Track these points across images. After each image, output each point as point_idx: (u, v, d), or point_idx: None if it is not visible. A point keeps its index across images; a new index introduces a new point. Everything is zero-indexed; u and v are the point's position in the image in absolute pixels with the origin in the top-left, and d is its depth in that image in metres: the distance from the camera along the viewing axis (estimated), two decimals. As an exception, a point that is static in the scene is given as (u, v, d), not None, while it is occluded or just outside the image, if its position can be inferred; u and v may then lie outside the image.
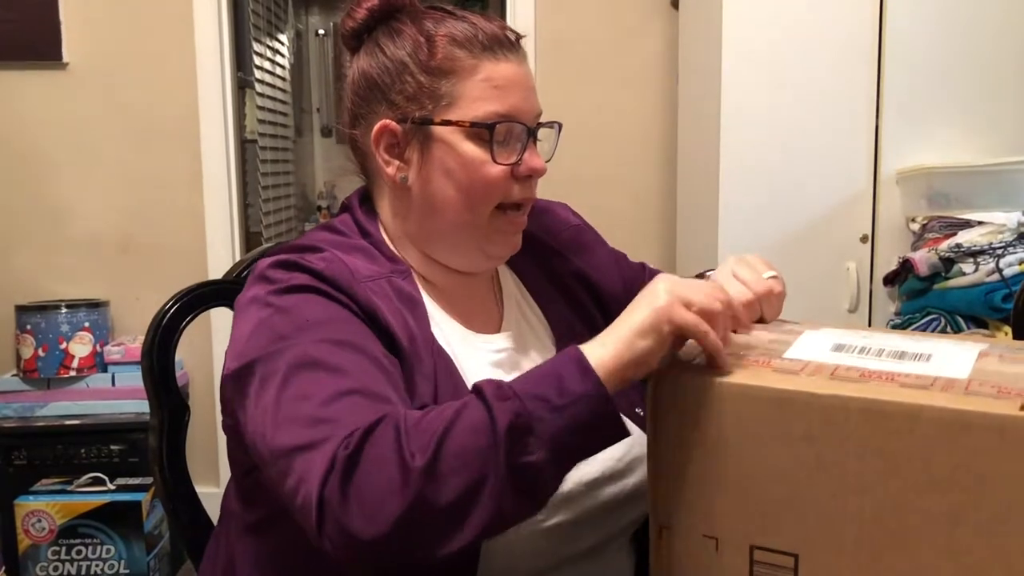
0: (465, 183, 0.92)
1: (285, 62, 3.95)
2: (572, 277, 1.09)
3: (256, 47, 3.28)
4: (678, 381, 0.74)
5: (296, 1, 4.41)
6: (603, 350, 0.73)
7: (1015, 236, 1.94)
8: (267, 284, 0.88)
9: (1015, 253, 1.91)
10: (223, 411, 0.92)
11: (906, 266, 2.11)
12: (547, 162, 0.99)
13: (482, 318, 1.01)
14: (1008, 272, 1.89)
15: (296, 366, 0.80)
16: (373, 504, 0.69)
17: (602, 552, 0.96)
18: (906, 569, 0.65)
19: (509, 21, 2.81)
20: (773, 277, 0.92)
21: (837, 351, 0.76)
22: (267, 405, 0.78)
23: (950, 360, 0.72)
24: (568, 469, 0.73)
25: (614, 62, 2.84)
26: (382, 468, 0.70)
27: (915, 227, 2.18)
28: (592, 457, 0.91)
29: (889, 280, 2.21)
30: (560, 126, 1.01)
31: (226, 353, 0.87)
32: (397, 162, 0.95)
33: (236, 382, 0.83)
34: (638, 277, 1.17)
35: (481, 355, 0.96)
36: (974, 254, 1.95)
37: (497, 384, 0.72)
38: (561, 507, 0.89)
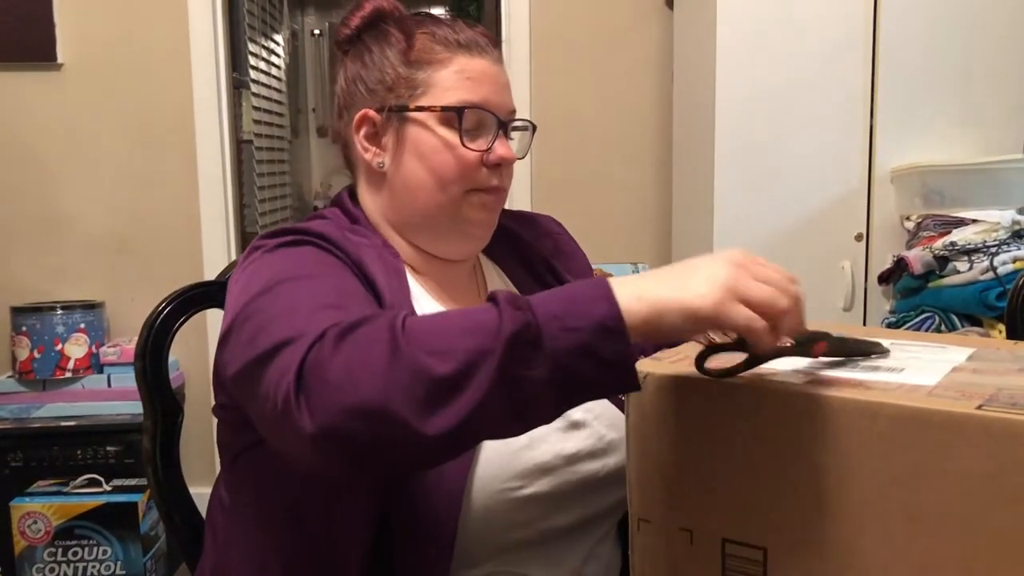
0: (437, 166, 0.97)
1: (281, 62, 3.95)
2: (543, 266, 1.13)
3: (251, 47, 3.28)
4: (655, 376, 0.75)
5: (292, 1, 4.41)
6: (636, 293, 0.67)
7: (1009, 234, 1.95)
8: (256, 250, 0.91)
9: (1009, 251, 1.92)
10: (215, 391, 0.94)
11: (900, 264, 2.11)
12: (519, 159, 1.04)
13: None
14: (1002, 270, 1.89)
15: (284, 280, 0.81)
16: (358, 369, 0.66)
17: (586, 533, 0.97)
18: (867, 566, 0.67)
19: (503, 20, 2.81)
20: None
21: (814, 365, 0.78)
22: (254, 323, 0.77)
23: (922, 372, 0.74)
24: (565, 402, 0.69)
25: (609, 60, 2.84)
26: (373, 343, 0.67)
27: (909, 225, 2.18)
28: (571, 434, 0.95)
29: (884, 278, 2.21)
30: (534, 127, 1.08)
31: (221, 323, 0.87)
32: (374, 148, 1.01)
33: (230, 334, 0.81)
34: None
35: None
36: (968, 252, 1.95)
37: (513, 295, 0.69)
38: (539, 477, 0.91)
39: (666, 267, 0.71)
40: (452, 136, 0.96)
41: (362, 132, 1.01)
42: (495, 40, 1.02)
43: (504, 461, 0.90)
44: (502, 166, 1.00)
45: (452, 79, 0.97)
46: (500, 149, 0.98)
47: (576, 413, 0.97)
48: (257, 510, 0.94)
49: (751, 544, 0.72)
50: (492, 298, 0.69)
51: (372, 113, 0.99)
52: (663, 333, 0.69)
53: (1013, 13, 2.20)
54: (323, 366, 0.67)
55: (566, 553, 0.96)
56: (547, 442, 0.93)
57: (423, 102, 0.97)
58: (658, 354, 0.82)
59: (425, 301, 1.00)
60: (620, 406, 0.98)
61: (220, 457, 1.00)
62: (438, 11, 4.88)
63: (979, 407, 0.63)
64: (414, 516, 0.87)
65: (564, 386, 0.67)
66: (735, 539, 0.72)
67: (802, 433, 0.68)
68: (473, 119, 0.97)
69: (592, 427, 0.98)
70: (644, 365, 0.77)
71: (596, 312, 0.66)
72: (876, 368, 0.76)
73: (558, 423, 0.95)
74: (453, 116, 0.96)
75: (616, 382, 0.69)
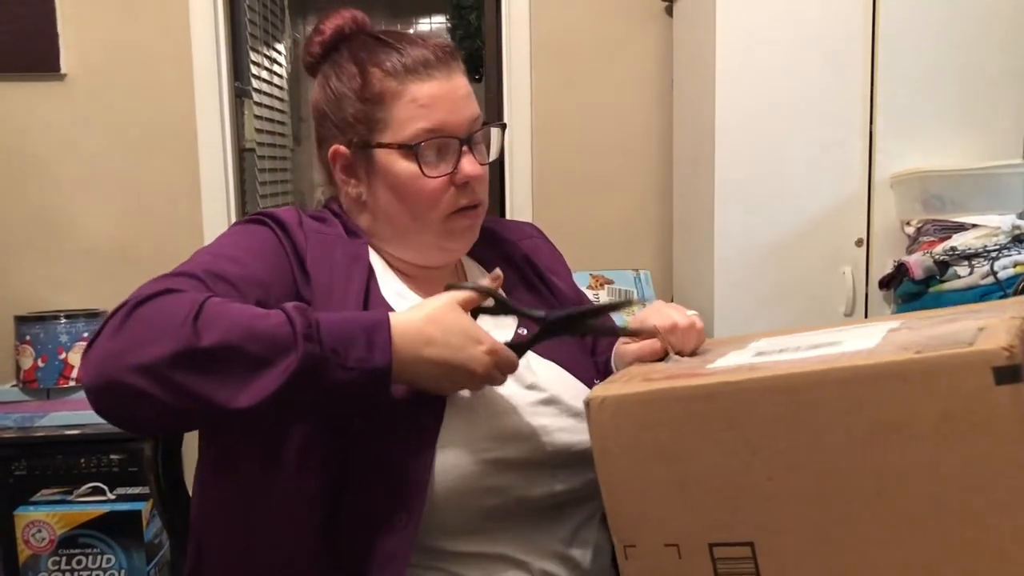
0: (406, 196, 1.02)
1: (283, 71, 3.96)
2: (523, 261, 1.17)
3: (253, 56, 3.29)
4: (611, 400, 0.77)
5: (293, 10, 4.43)
6: (412, 351, 0.84)
7: (1009, 239, 1.95)
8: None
9: (1009, 256, 1.92)
10: None
11: (901, 269, 2.11)
12: (493, 161, 1.07)
13: None
14: (1003, 275, 1.89)
15: (200, 254, 0.93)
16: (147, 335, 0.77)
17: (565, 512, 0.99)
18: (853, 533, 0.68)
19: (504, 28, 2.82)
20: (694, 314, 1.00)
21: (759, 356, 0.80)
22: None
23: (860, 339, 0.76)
24: (318, 410, 0.85)
25: (609, 67, 2.85)
26: (167, 316, 0.78)
27: (910, 230, 2.18)
28: (541, 408, 0.98)
29: (884, 283, 2.21)
30: (504, 127, 1.11)
31: None
32: (352, 180, 1.06)
33: None
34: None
35: None
36: (969, 257, 1.96)
37: (305, 319, 0.80)
38: (511, 442, 0.94)
39: (443, 354, 0.86)
40: (414, 168, 1.00)
41: (338, 165, 1.06)
42: (448, 49, 1.04)
43: (475, 424, 0.93)
44: (470, 183, 1.02)
45: (406, 110, 1.00)
46: (466, 167, 1.01)
47: (551, 390, 1.00)
48: (213, 473, 0.98)
49: (737, 542, 0.73)
50: (288, 316, 0.80)
51: (343, 149, 1.05)
52: (424, 383, 0.88)
53: (1012, 18, 2.20)
54: (116, 328, 0.79)
55: (546, 533, 0.97)
56: (518, 413, 0.96)
57: (383, 138, 1.01)
58: (610, 379, 0.86)
59: (401, 292, 1.05)
60: (589, 383, 1.03)
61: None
62: (439, 20, 4.89)
63: (917, 352, 0.66)
64: (383, 473, 0.90)
65: (328, 403, 0.83)
66: (721, 541, 0.73)
67: (760, 421, 0.70)
68: (432, 146, 1.00)
69: (564, 403, 1.00)
70: (598, 390, 0.79)
71: (375, 361, 0.81)
72: (816, 346, 0.78)
73: (529, 398, 0.98)
74: (410, 150, 1.00)
75: (371, 404, 0.86)
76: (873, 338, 0.76)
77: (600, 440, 0.78)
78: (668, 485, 0.75)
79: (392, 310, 0.98)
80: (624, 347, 1.01)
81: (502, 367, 0.88)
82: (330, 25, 1.07)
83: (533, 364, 1.03)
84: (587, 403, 0.78)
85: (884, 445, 0.66)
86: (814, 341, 0.80)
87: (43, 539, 2.30)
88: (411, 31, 4.83)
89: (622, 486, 0.77)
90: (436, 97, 1.00)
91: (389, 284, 1.05)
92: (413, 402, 0.91)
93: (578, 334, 0.96)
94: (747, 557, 0.72)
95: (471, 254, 1.14)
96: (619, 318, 1.52)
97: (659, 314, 0.99)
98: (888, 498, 0.67)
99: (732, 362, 0.81)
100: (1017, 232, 1.95)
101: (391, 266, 1.07)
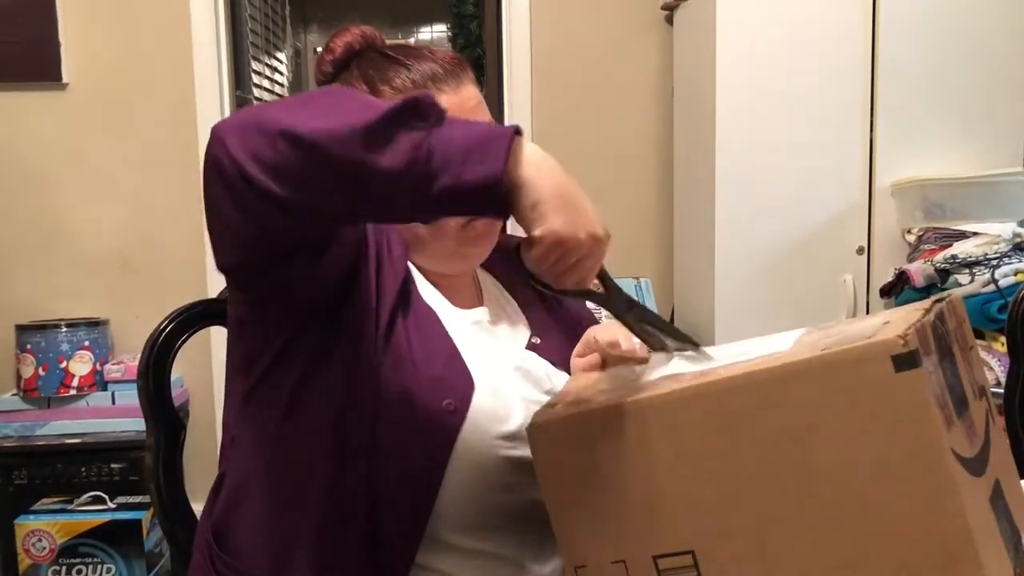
0: None
1: (284, 80, 3.97)
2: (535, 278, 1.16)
3: (255, 65, 3.30)
4: (547, 426, 0.79)
5: (295, 19, 4.44)
6: (541, 155, 0.82)
7: (1010, 247, 1.95)
8: None
9: (1010, 263, 1.92)
10: (232, 296, 0.99)
11: (902, 278, 2.11)
12: None
13: (463, 303, 1.09)
14: (1003, 283, 1.89)
15: None
16: (258, 124, 0.75)
17: None
18: (785, 533, 0.69)
19: (504, 37, 2.82)
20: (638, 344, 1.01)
21: (679, 367, 0.82)
22: None
23: (774, 344, 0.78)
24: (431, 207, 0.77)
25: (610, 76, 2.85)
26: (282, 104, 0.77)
27: (911, 239, 2.19)
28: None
29: (886, 292, 2.21)
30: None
31: None
32: None
33: None
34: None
35: (461, 319, 1.05)
36: (970, 265, 1.96)
37: (428, 110, 0.75)
38: (527, 442, 0.94)
39: (569, 196, 0.86)
40: None
41: None
42: (457, 60, 1.03)
43: (496, 419, 0.94)
44: None
45: None
46: None
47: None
48: (264, 442, 0.97)
49: (678, 552, 0.73)
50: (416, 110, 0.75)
51: None
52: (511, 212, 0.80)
53: (1012, 27, 2.21)
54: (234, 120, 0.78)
55: (552, 538, 0.98)
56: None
57: None
58: (549, 401, 0.87)
59: (429, 293, 1.05)
60: None
61: (229, 403, 1.01)
62: (440, 29, 4.90)
63: (823, 350, 0.67)
64: (400, 456, 0.91)
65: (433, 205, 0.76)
66: (663, 552, 0.74)
67: (684, 431, 0.72)
68: None
69: None
70: (539, 416, 0.80)
71: (500, 130, 0.77)
72: (740, 354, 0.79)
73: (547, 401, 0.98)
74: None
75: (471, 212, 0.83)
76: (789, 340, 0.77)
77: (542, 465, 0.79)
78: (608, 503, 0.76)
79: (433, 312, 1.00)
80: (576, 360, 1.03)
81: (599, 256, 0.86)
82: (340, 43, 1.06)
83: (551, 372, 1.04)
84: (528, 430, 0.80)
85: (801, 443, 0.67)
86: (736, 351, 0.82)
87: (43, 548, 2.30)
88: (412, 40, 4.84)
89: (566, 508, 0.79)
90: None
91: (423, 287, 1.05)
92: (441, 384, 0.92)
93: (634, 328, 0.95)
94: (689, 565, 0.73)
95: (487, 269, 1.15)
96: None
97: (606, 330, 1.00)
98: (813, 495, 0.68)
99: (656, 373, 0.83)
100: (1018, 240, 1.95)
101: (420, 272, 1.08)
